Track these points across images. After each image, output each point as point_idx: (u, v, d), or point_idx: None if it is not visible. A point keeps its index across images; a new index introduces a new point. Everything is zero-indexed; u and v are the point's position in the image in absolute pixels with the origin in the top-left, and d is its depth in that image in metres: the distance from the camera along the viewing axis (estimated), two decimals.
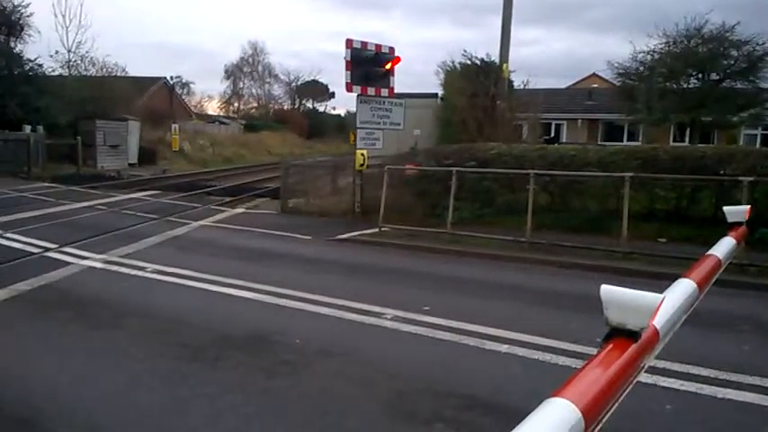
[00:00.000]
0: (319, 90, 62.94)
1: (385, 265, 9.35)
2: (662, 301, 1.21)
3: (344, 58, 12.48)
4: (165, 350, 5.23)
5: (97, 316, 6.32)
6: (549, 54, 72.67)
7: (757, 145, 20.73)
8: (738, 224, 2.53)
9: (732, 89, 20.08)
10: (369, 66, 12.81)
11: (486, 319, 6.09)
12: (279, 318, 6.29)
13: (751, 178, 8.89)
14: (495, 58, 17.81)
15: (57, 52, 29.42)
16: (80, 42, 29.96)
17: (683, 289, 1.66)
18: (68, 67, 29.78)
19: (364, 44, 12.74)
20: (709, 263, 1.99)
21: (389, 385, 4.56)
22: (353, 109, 13.84)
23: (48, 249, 9.52)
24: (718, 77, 20.20)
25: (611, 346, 1.19)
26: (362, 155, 13.08)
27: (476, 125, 16.96)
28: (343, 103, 66.59)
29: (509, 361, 5.11)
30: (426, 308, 6.52)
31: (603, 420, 1.06)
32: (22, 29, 25.95)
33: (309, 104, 64.77)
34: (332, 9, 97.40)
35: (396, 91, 13.50)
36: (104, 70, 30.87)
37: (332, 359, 5.12)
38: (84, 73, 29.81)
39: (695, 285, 1.70)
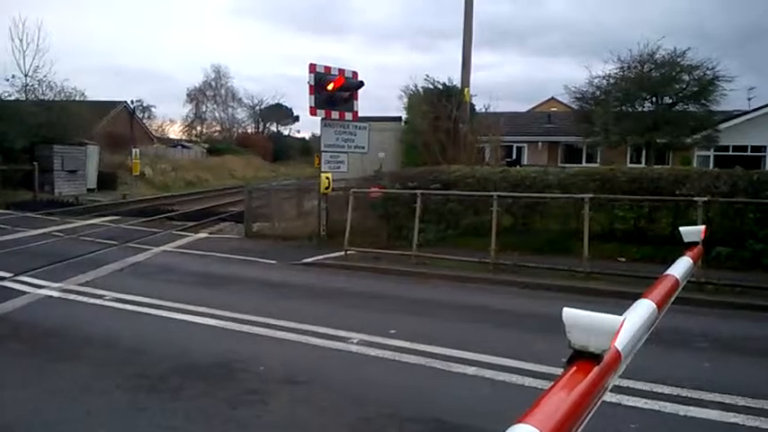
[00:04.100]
0: (283, 114, 62.96)
1: (351, 289, 9.30)
2: (622, 323, 1.23)
3: (308, 82, 12.50)
4: (123, 382, 5.06)
5: (54, 347, 6.10)
6: (503, 78, 74.39)
7: (710, 166, 21.37)
8: (694, 244, 2.59)
9: (685, 112, 20.73)
10: (332, 90, 12.84)
11: (453, 341, 6.09)
12: (242, 345, 6.18)
13: (705, 198, 9.17)
14: (457, 82, 18.12)
15: (13, 76, 28.76)
16: (38, 66, 29.37)
17: (642, 309, 1.68)
18: (25, 91, 29.11)
19: (327, 68, 12.78)
20: (668, 282, 2.02)
21: (356, 411, 4.50)
22: (317, 132, 13.87)
23: (2, 278, 9.19)
24: (671, 101, 20.85)
25: (574, 368, 1.19)
26: (327, 178, 13.06)
27: (439, 148, 17.14)
28: (307, 126, 66.80)
29: (476, 383, 5.10)
30: (392, 331, 6.49)
31: None
32: None
33: (274, 128, 64.65)
34: (288, 33, 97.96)
35: (359, 114, 13.57)
36: (62, 94, 30.24)
37: (297, 386, 5.04)
38: (42, 97, 29.17)
39: (654, 306, 1.73)
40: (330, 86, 12.58)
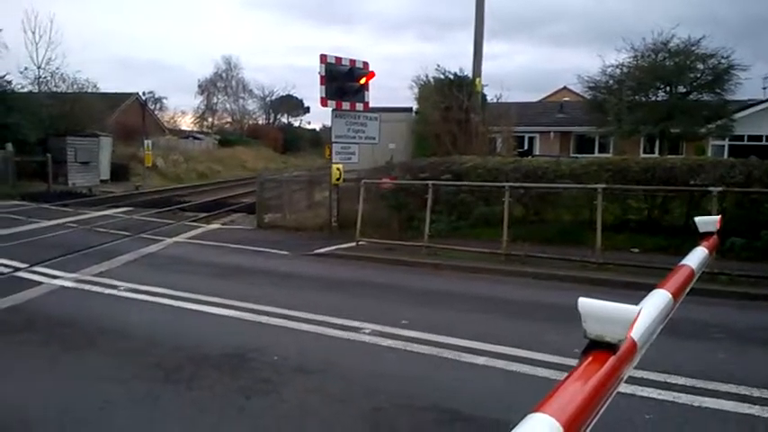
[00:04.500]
0: (293, 105, 62.93)
1: (362, 280, 9.32)
2: (639, 313, 1.22)
3: (319, 72, 12.49)
4: (138, 371, 5.12)
5: (69, 337, 6.17)
6: (513, 67, 73.78)
7: (725, 156, 21.16)
8: (710, 234, 2.57)
9: (699, 101, 20.54)
10: (343, 80, 12.84)
11: (465, 332, 6.09)
12: (256, 335, 6.21)
13: (720, 188, 9.09)
14: (468, 72, 18.01)
15: (26, 69, 28.99)
16: (50, 59, 29.57)
17: (658, 300, 1.67)
18: (38, 83, 29.34)
19: (338, 59, 12.77)
20: (683, 273, 2.01)
21: (368, 401, 4.52)
22: (328, 123, 13.87)
23: (18, 269, 9.30)
24: (685, 90, 20.66)
25: (590, 358, 1.19)
26: (338, 169, 13.07)
27: (450, 139, 17.07)
28: (317, 117, 66.60)
29: (488, 373, 5.11)
30: (404, 321, 6.50)
31: None
32: None
33: (284, 119, 64.68)
34: (296, 23, 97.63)
35: (369, 105, 13.54)
36: (75, 86, 30.45)
37: (310, 376, 5.06)
38: (55, 89, 29.38)
39: (670, 296, 1.72)
40: (362, 80, 12.61)
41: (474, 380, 5.00)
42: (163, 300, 7.59)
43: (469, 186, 11.78)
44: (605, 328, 1.18)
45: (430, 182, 11.37)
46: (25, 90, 27.87)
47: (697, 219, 2.62)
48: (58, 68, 29.77)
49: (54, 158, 23.86)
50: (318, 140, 49.74)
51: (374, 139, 13.81)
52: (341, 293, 8.37)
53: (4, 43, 26.04)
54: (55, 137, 25.15)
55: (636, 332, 1.32)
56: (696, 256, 2.24)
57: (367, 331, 6.23)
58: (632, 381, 4.51)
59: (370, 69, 13.25)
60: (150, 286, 8.21)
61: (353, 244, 11.62)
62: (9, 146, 22.76)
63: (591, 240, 9.58)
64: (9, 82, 25.81)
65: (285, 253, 11.38)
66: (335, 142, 13.11)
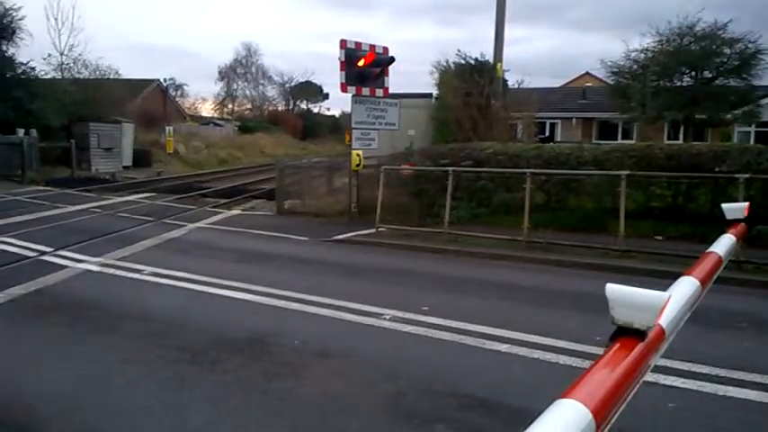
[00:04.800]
0: (313, 91, 62.82)
1: (382, 266, 9.34)
2: (668, 300, 1.21)
3: (339, 58, 12.46)
4: (163, 353, 5.20)
5: (94, 319, 6.29)
6: (534, 53, 72.79)
7: (751, 142, 20.74)
8: (737, 221, 2.54)
9: (725, 86, 20.12)
10: (363, 66, 12.78)
11: (485, 319, 6.09)
12: (277, 319, 6.27)
13: (747, 175, 8.92)
14: (489, 57, 17.83)
15: (49, 55, 29.24)
16: (73, 45, 29.83)
17: (686, 287, 1.66)
18: (61, 69, 29.61)
19: (358, 44, 12.72)
20: (711, 260, 1.99)
21: (389, 386, 4.55)
22: (347, 109, 13.84)
23: (43, 253, 9.47)
24: (711, 75, 20.24)
25: (617, 345, 1.18)
26: (358, 155, 13.06)
27: (471, 125, 16.97)
28: (337, 103, 66.36)
29: (509, 360, 5.10)
30: (425, 308, 6.51)
31: (612, 421, 1.06)
32: (14, 32, 25.74)
33: (303, 105, 64.67)
34: (315, 9, 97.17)
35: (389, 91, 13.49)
36: (97, 73, 30.71)
37: (331, 360, 5.11)
38: (78, 76, 29.66)
39: (698, 283, 1.71)
40: (361, 63, 12.52)
41: (495, 367, 5.00)
42: (185, 284, 7.69)
43: (490, 173, 11.71)
44: (634, 315, 1.17)
45: (450, 168, 11.31)
46: (48, 76, 28.15)
47: (724, 205, 2.59)
48: (80, 55, 30.04)
49: (77, 144, 24.15)
50: (338, 127, 49.65)
51: (394, 125, 13.76)
52: (361, 279, 8.40)
53: (29, 31, 26.25)
54: (78, 123, 25.43)
55: (664, 319, 1.31)
56: (724, 244, 2.22)
57: (387, 317, 6.25)
58: (655, 369, 4.43)
59: (390, 55, 13.18)
60: (173, 270, 8.32)
61: (373, 230, 11.64)
62: (33, 132, 23.08)
63: (614, 228, 9.49)
64: (33, 68, 26.11)
65: (305, 239, 11.44)
66: (355, 128, 13.09)
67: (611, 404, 1.03)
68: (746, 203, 2.61)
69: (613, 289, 1.17)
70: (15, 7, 25.54)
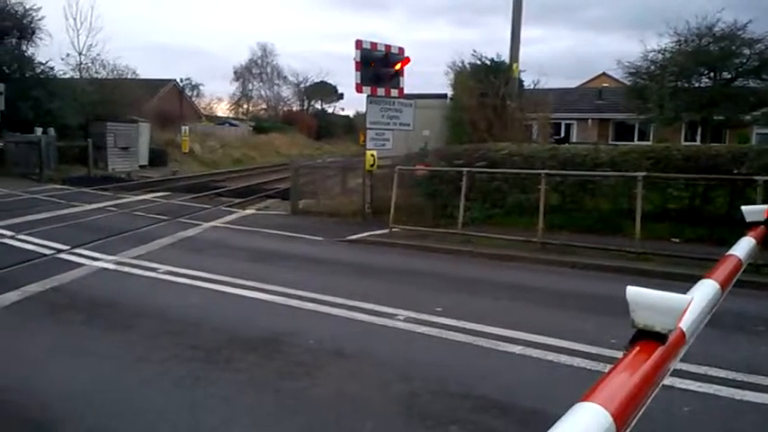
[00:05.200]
0: (327, 91, 62.94)
1: (396, 266, 9.33)
2: (690, 303, 1.20)
3: (354, 58, 12.47)
4: (177, 352, 5.23)
5: (110, 317, 6.34)
6: (550, 53, 72.27)
7: None
8: (757, 224, 2.50)
9: (744, 88, 19.89)
10: (378, 66, 12.80)
11: (500, 320, 6.06)
12: (291, 319, 6.29)
13: (766, 177, 8.81)
14: (504, 58, 17.76)
15: (68, 55, 29.60)
16: (91, 45, 30.15)
17: (706, 290, 1.63)
18: (79, 69, 29.94)
19: (374, 45, 12.73)
20: (731, 263, 1.96)
21: (403, 387, 4.54)
22: (362, 110, 13.87)
23: (60, 251, 9.57)
24: (729, 76, 20.01)
25: (637, 348, 1.17)
26: (372, 155, 13.07)
27: (486, 125, 16.89)
28: (351, 104, 66.40)
29: (523, 362, 5.08)
30: (439, 309, 6.50)
31: (632, 424, 1.05)
32: (34, 32, 26.09)
33: (318, 105, 64.85)
34: (330, 9, 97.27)
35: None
36: (115, 72, 31.02)
37: (345, 360, 5.11)
38: (95, 75, 29.97)
39: (718, 286, 1.68)
40: (398, 66, 12.58)
41: (509, 368, 4.98)
42: (200, 283, 7.73)
43: (504, 174, 11.66)
44: (655, 318, 1.16)
45: (465, 169, 11.29)
46: (67, 76, 28.48)
47: (744, 208, 2.55)
48: (98, 55, 30.36)
49: (94, 144, 24.37)
50: (352, 127, 49.72)
51: (409, 125, 13.75)
52: (375, 280, 8.40)
53: (48, 31, 26.58)
54: (95, 122, 25.68)
55: (685, 323, 1.30)
56: (743, 246, 2.19)
57: (401, 318, 6.25)
58: (672, 372, 4.42)
59: (406, 55, 13.18)
60: (188, 269, 8.37)
61: (387, 231, 11.63)
62: (51, 131, 23.34)
63: (630, 230, 9.41)
64: (51, 68, 26.41)
65: (319, 239, 11.46)
66: (370, 128, 13.10)
67: (631, 408, 1.02)
68: (766, 206, 2.58)
69: (634, 291, 1.16)
70: (35, 8, 25.89)
